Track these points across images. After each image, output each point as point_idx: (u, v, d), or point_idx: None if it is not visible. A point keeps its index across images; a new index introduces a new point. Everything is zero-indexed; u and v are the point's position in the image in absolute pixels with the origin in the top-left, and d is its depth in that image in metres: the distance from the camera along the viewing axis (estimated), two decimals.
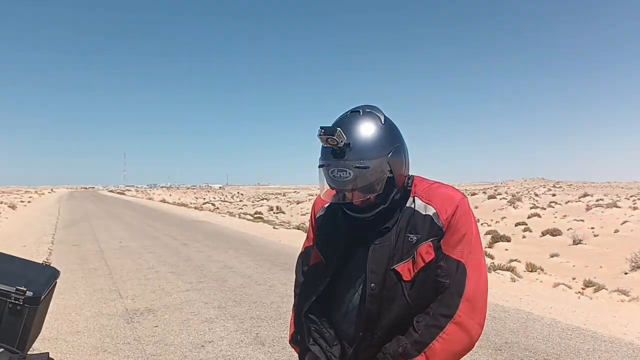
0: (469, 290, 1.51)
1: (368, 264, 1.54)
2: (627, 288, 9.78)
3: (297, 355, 1.80)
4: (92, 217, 24.20)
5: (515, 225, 26.76)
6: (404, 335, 1.55)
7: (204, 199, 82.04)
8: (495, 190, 72.22)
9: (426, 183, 1.65)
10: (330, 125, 1.50)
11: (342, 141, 1.43)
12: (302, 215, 39.62)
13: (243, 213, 34.65)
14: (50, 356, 1.46)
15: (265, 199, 76.60)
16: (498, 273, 9.77)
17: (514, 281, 8.97)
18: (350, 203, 1.53)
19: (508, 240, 20.44)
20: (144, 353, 4.62)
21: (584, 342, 4.94)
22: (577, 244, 19.60)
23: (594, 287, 9.75)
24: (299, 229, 17.84)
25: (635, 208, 34.56)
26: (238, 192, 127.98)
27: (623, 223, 26.08)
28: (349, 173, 1.44)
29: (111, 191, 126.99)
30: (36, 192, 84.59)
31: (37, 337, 1.63)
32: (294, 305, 1.85)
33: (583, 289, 9.76)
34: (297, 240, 12.74)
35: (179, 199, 75.37)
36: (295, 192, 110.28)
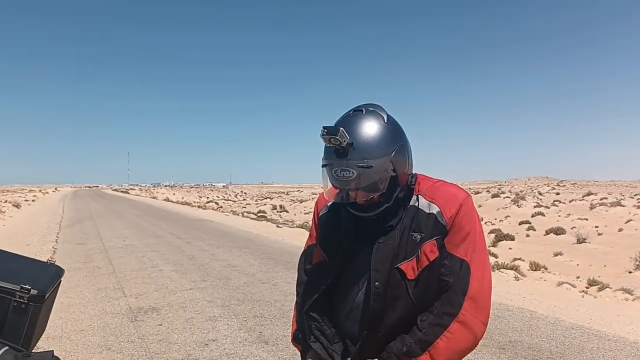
0: (473, 288, 1.50)
1: (372, 263, 1.54)
2: (631, 287, 9.77)
3: (300, 353, 1.81)
4: (96, 215, 24.27)
5: (519, 224, 26.74)
6: (408, 334, 1.55)
7: (208, 197, 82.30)
8: (499, 189, 72.07)
9: (430, 181, 1.65)
10: (333, 124, 1.50)
11: (345, 141, 1.42)
12: (305, 214, 39.66)
13: (246, 212, 34.69)
14: (54, 354, 1.47)
15: (269, 197, 76.73)
16: (502, 272, 9.77)
17: (518, 280, 8.95)
18: (354, 202, 1.53)
19: (512, 239, 20.42)
20: (148, 351, 4.63)
21: (588, 340, 4.93)
22: (581, 242, 19.56)
23: (598, 286, 9.73)
24: (302, 227, 17.86)
25: (639, 207, 34.43)
26: (241, 191, 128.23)
27: (627, 222, 26.03)
28: (353, 172, 1.44)
29: (115, 190, 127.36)
30: (40, 190, 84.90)
31: (41, 335, 1.63)
32: (296, 304, 1.85)
33: (587, 287, 9.74)
34: (300, 239, 12.75)
35: (183, 197, 75.58)
36: (298, 190, 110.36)
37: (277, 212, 44.32)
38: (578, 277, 12.12)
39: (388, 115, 1.54)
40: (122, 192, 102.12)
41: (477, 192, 58.55)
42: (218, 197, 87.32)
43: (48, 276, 1.61)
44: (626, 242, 19.67)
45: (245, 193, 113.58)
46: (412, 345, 1.51)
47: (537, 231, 23.80)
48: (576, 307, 6.49)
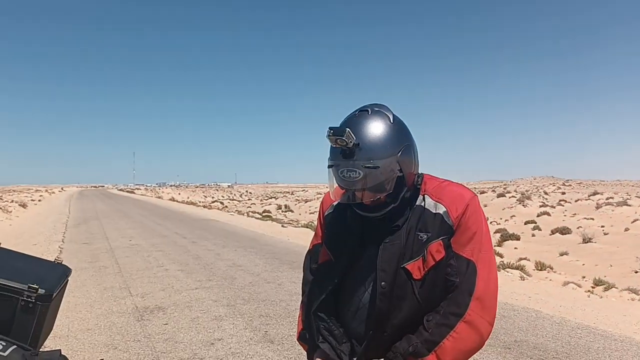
0: (479, 288, 1.50)
1: (378, 262, 1.54)
2: (637, 287, 9.73)
3: (305, 352, 1.81)
4: (102, 215, 24.36)
5: (525, 224, 26.67)
6: (414, 334, 1.55)
7: (213, 197, 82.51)
8: (505, 188, 71.82)
9: (436, 181, 1.65)
10: (339, 124, 1.50)
11: (351, 141, 1.42)
12: (310, 213, 39.70)
13: (251, 212, 34.77)
14: (62, 353, 1.48)
15: (274, 197, 76.87)
16: (507, 271, 9.74)
17: (523, 280, 8.93)
18: (360, 202, 1.53)
19: (517, 238, 20.37)
20: (154, 350, 4.65)
21: (593, 340, 4.91)
22: (587, 242, 19.49)
23: (604, 286, 9.70)
24: (307, 227, 17.87)
25: None
26: (246, 191, 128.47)
27: (633, 221, 25.89)
28: (359, 173, 1.44)
29: (121, 190, 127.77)
30: (47, 190, 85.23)
31: (49, 334, 1.64)
32: (301, 303, 1.85)
33: (593, 287, 9.71)
34: (305, 239, 12.75)
35: (188, 197, 75.79)
36: (303, 190, 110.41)
37: (282, 211, 44.39)
38: (584, 277, 12.09)
39: (394, 115, 1.54)
40: (127, 192, 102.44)
41: (483, 192, 58.38)
42: (223, 196, 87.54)
43: (55, 275, 1.62)
44: (632, 241, 19.58)
45: (250, 193, 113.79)
46: (418, 345, 1.51)
47: (543, 231, 23.74)
48: (582, 307, 6.47)
